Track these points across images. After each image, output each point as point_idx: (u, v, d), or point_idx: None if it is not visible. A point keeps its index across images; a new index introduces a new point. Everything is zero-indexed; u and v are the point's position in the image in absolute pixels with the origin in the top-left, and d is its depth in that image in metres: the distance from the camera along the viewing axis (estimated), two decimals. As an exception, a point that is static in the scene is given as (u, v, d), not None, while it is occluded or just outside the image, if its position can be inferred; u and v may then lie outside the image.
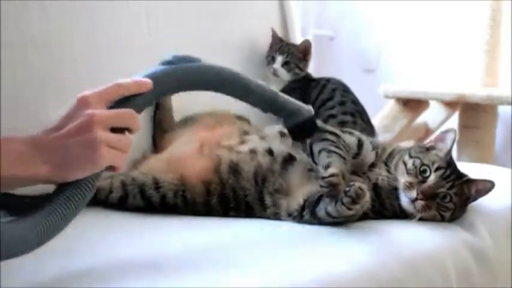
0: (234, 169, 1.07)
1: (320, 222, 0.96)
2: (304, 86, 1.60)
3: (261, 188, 1.05)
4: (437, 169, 1.00)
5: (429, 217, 1.00)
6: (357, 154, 1.05)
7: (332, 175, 0.93)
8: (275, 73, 1.59)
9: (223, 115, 1.27)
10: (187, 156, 1.12)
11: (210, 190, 1.07)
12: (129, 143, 0.76)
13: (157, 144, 1.29)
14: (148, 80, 0.80)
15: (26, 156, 0.70)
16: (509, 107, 1.95)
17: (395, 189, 1.01)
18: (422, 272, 0.88)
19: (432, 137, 1.07)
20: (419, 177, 1.00)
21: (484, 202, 1.12)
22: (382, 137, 1.85)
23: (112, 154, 0.73)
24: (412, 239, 0.94)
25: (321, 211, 0.95)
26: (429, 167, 1.00)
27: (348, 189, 0.90)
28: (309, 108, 0.94)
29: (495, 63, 2.02)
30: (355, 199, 0.89)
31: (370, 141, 1.09)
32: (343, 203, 0.90)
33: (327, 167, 0.95)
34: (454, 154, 2.00)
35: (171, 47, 1.41)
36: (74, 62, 1.21)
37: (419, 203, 0.98)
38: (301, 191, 1.01)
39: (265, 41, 1.65)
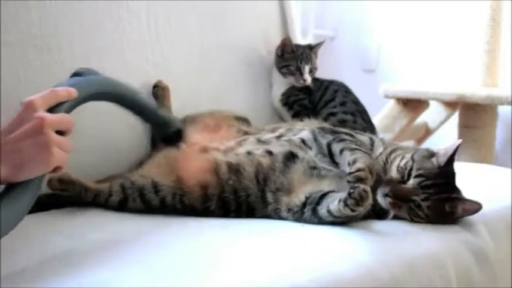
0: (235, 169, 1.07)
1: (320, 220, 0.96)
2: (309, 86, 1.60)
3: (263, 186, 1.05)
4: (417, 176, 0.99)
5: (402, 216, 0.99)
6: (371, 151, 1.06)
7: (359, 170, 0.93)
8: (305, 83, 1.58)
9: (222, 116, 1.27)
10: (184, 157, 1.12)
11: (207, 195, 1.07)
12: (70, 145, 0.81)
13: (156, 144, 1.29)
14: (74, 89, 0.87)
15: None
16: (509, 107, 1.95)
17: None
18: (422, 272, 0.88)
19: (447, 146, 1.06)
20: (405, 178, 1.00)
21: (484, 202, 1.12)
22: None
23: (60, 155, 0.79)
24: (412, 239, 0.94)
25: (322, 209, 0.95)
26: (415, 171, 0.99)
27: (352, 190, 0.90)
28: (179, 120, 1.09)
29: (495, 63, 2.02)
30: (359, 201, 0.89)
31: (380, 138, 1.11)
32: (346, 205, 0.90)
33: (353, 163, 0.95)
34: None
35: (171, 47, 1.43)
36: (74, 62, 1.21)
37: (388, 199, 0.98)
38: (303, 188, 1.02)
39: (265, 41, 1.65)
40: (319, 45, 1.64)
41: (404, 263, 0.86)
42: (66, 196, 1.10)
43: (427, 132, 2.17)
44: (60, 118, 0.82)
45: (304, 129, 1.14)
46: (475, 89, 1.96)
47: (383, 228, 0.96)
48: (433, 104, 2.09)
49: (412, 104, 2.04)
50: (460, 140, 1.04)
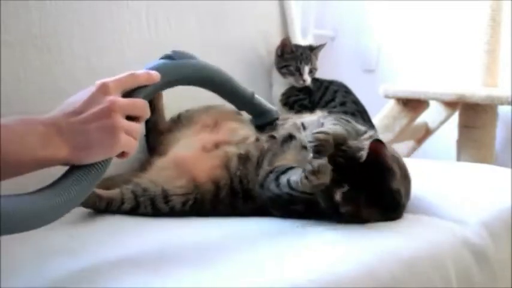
0: (244, 159, 1.09)
1: (278, 188, 0.96)
2: (309, 86, 1.61)
3: (259, 167, 1.07)
4: None
5: None
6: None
7: (321, 132, 0.92)
8: (304, 83, 1.59)
9: (220, 112, 1.27)
10: (194, 158, 1.13)
11: (219, 186, 1.09)
12: (140, 131, 0.81)
13: (155, 146, 1.28)
14: (157, 73, 0.85)
15: (47, 137, 0.72)
16: (509, 107, 1.95)
17: None
18: (422, 272, 0.88)
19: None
20: None
21: (484, 202, 1.12)
22: (382, 137, 1.85)
23: (127, 140, 0.77)
24: (412, 239, 0.94)
25: (284, 178, 0.95)
26: None
27: (312, 163, 0.88)
28: (276, 111, 1.06)
29: (495, 63, 2.02)
30: (316, 173, 0.88)
31: (373, 132, 1.10)
32: (306, 177, 0.89)
33: (321, 126, 0.96)
34: (454, 154, 2.03)
35: (171, 47, 1.42)
36: (74, 62, 1.21)
37: None
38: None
39: (265, 41, 1.65)
40: (320, 47, 1.64)
41: (404, 263, 0.86)
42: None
43: (427, 132, 2.18)
44: (132, 103, 0.79)
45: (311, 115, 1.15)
46: (475, 89, 1.96)
47: (383, 228, 0.96)
48: (433, 104, 2.09)
49: (412, 104, 2.04)
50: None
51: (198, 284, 0.72)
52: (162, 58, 0.92)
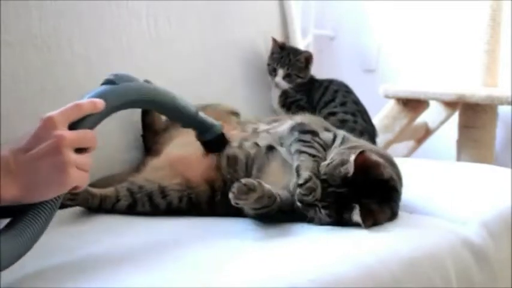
0: (233, 162, 1.10)
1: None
2: (308, 87, 1.61)
3: (249, 174, 1.07)
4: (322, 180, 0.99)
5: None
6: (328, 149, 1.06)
7: (306, 180, 0.94)
8: (277, 86, 1.60)
9: (216, 112, 1.27)
10: (189, 158, 1.13)
11: (214, 188, 1.09)
12: (91, 163, 0.78)
13: (151, 146, 1.29)
14: (101, 101, 0.83)
15: None
16: (509, 107, 1.95)
17: None
18: (422, 272, 0.88)
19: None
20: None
21: (484, 202, 1.12)
22: (382, 137, 1.85)
23: (79, 175, 0.75)
24: (411, 239, 0.94)
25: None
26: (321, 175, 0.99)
27: (237, 183, 0.91)
28: (220, 125, 1.07)
29: (495, 63, 2.02)
30: (237, 194, 0.90)
31: (343, 135, 1.09)
32: (233, 192, 0.91)
33: (297, 171, 0.97)
34: (454, 154, 2.03)
35: (171, 47, 1.43)
36: (74, 62, 1.21)
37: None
38: (273, 178, 1.03)
39: (265, 41, 1.65)
40: (303, 54, 1.62)
41: (404, 263, 0.86)
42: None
43: (427, 132, 2.17)
44: (81, 135, 0.78)
45: (288, 123, 1.15)
46: (475, 89, 1.96)
47: (383, 228, 0.96)
48: (433, 104, 2.09)
49: (412, 104, 2.04)
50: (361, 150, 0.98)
51: (199, 284, 0.72)
52: (103, 83, 0.89)
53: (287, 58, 1.60)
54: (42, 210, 0.74)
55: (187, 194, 1.09)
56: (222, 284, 0.72)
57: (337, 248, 0.86)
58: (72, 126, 0.78)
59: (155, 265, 0.79)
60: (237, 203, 0.92)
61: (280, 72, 1.59)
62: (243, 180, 0.91)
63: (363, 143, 1.10)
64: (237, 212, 1.02)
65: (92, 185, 1.09)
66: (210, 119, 1.05)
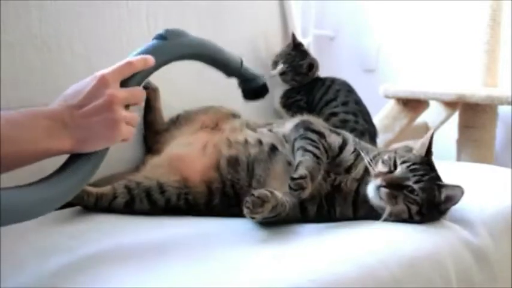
0: (233, 163, 1.10)
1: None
2: (310, 85, 1.60)
3: (251, 175, 1.08)
4: (403, 162, 1.00)
5: (397, 212, 0.98)
6: (337, 155, 1.06)
7: (301, 177, 0.93)
8: (269, 76, 1.60)
9: (219, 113, 1.27)
10: (190, 157, 1.13)
11: (212, 190, 1.09)
12: (138, 119, 0.86)
13: (151, 145, 1.29)
14: (151, 57, 0.89)
15: (52, 131, 0.76)
16: (509, 107, 1.95)
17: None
18: (422, 272, 0.88)
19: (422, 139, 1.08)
20: (392, 168, 1.00)
21: (484, 202, 1.12)
22: (382, 137, 1.85)
23: (127, 130, 0.83)
24: (412, 239, 0.94)
25: None
26: (399, 160, 1.01)
27: (249, 197, 0.91)
28: (263, 76, 1.16)
29: (495, 63, 2.02)
30: (253, 209, 0.90)
31: (355, 143, 1.09)
32: (247, 207, 0.91)
33: (297, 166, 0.96)
34: (454, 154, 2.02)
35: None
36: (74, 62, 1.21)
37: (383, 190, 0.97)
38: (275, 183, 1.03)
39: (265, 41, 1.65)
40: (309, 60, 1.63)
41: (404, 263, 0.86)
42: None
43: (427, 132, 2.17)
44: (131, 93, 0.84)
45: (291, 122, 1.15)
46: (475, 89, 1.95)
47: (383, 228, 0.96)
48: (433, 104, 2.09)
49: (412, 104, 2.04)
50: (433, 130, 1.05)
51: (198, 284, 0.72)
52: (155, 38, 0.95)
53: (293, 58, 1.60)
54: (88, 160, 0.81)
55: (185, 193, 1.09)
56: (222, 284, 0.72)
57: (337, 248, 0.86)
58: (123, 82, 0.84)
59: (155, 265, 0.79)
60: (253, 217, 0.92)
61: (280, 67, 1.59)
62: (256, 193, 0.91)
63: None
64: (235, 213, 1.03)
65: (92, 184, 1.09)
66: (252, 70, 1.13)
